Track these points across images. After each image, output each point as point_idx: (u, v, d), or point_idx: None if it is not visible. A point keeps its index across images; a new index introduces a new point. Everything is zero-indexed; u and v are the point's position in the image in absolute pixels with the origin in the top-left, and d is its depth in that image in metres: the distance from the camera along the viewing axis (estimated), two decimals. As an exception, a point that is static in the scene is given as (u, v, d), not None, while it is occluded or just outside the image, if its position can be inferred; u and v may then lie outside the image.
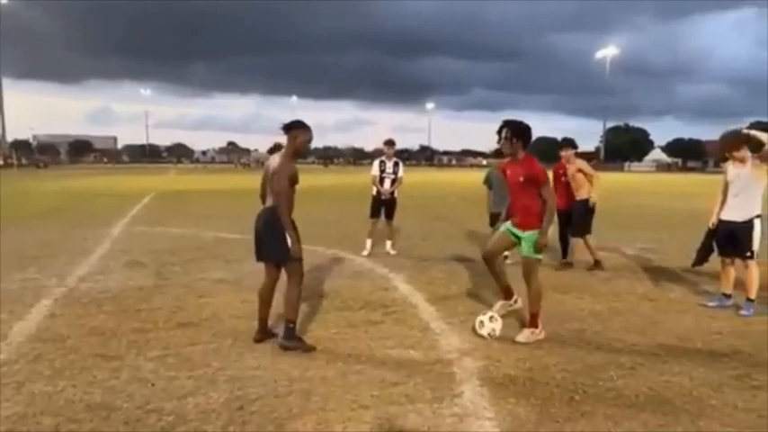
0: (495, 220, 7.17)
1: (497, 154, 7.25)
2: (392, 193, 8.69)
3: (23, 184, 32.26)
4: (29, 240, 9.72)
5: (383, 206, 8.71)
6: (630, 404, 3.41)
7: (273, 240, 4.41)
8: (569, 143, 7.81)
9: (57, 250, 8.66)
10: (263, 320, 4.54)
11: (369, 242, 8.67)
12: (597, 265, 7.58)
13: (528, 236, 4.67)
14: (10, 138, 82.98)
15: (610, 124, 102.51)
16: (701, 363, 4.09)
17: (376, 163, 8.82)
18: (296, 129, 4.49)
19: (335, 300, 5.77)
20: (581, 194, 7.64)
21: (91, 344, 4.34)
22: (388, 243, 8.81)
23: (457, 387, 3.61)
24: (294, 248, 4.37)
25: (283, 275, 4.50)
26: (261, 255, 4.57)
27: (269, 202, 4.53)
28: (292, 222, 4.44)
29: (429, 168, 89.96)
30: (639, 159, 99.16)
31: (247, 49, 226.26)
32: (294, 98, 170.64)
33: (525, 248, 4.71)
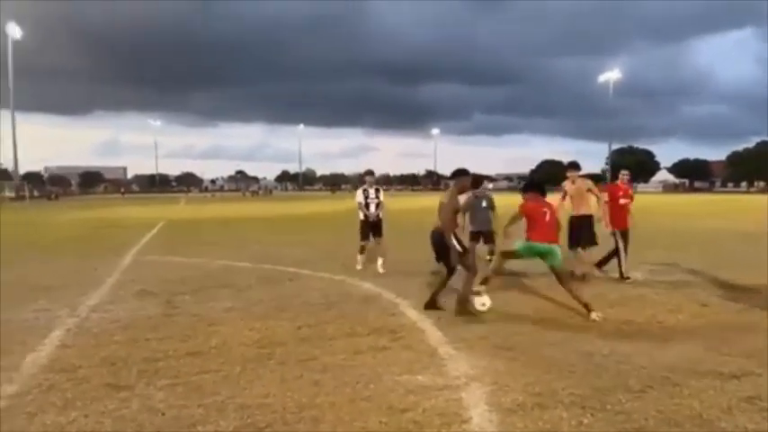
0: (475, 238, 9.59)
1: (478, 181, 9.33)
2: (378, 215, 9.75)
3: (35, 215, 32.62)
4: (41, 271, 9.82)
5: (371, 228, 9.70)
6: (639, 428, 3.39)
7: (445, 249, 6.39)
8: (574, 165, 8.84)
9: (68, 281, 8.74)
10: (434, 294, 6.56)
11: (360, 258, 9.74)
12: (582, 278, 8.29)
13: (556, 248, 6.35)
14: (22, 170, 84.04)
15: (614, 146, 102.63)
16: (711, 385, 4.06)
17: (360, 191, 9.88)
18: (460, 176, 6.66)
19: (343, 326, 5.78)
20: (586, 210, 8.58)
21: (102, 374, 4.37)
22: (380, 261, 9.47)
23: (465, 413, 3.60)
24: (454, 256, 6.36)
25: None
26: (439, 258, 6.60)
27: (438, 224, 6.48)
28: (455, 234, 6.42)
29: (435, 193, 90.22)
30: (646, 180, 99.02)
31: (250, 79, 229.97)
32: (301, 126, 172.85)
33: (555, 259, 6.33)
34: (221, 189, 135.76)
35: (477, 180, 9.37)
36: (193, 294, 7.58)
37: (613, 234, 8.60)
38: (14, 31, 67.12)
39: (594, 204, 8.66)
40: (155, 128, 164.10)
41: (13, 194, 66.63)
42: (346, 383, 4.12)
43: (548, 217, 6.43)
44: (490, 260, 9.15)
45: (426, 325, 5.80)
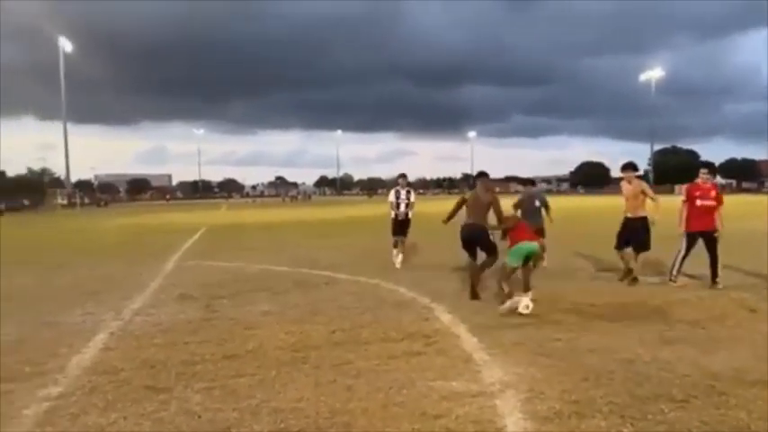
0: None
1: (526, 182, 10.91)
2: (406, 214, 10.76)
3: (85, 222, 33.79)
4: (89, 276, 10.14)
5: (400, 225, 10.69)
6: (682, 439, 3.25)
7: (479, 241, 7.42)
8: (630, 166, 8.66)
9: (114, 285, 9.00)
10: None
11: (395, 251, 10.63)
12: (628, 274, 8.35)
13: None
14: (74, 178, 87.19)
15: (657, 147, 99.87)
16: (759, 395, 3.86)
17: (392, 192, 11.02)
18: (483, 177, 7.93)
19: (377, 330, 5.76)
20: (641, 212, 8.38)
21: (142, 376, 4.46)
22: (399, 257, 10.58)
23: (500, 420, 3.52)
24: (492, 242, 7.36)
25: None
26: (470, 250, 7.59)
27: (472, 219, 7.52)
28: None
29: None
30: (690, 182, 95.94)
31: (287, 86, 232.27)
32: (339, 132, 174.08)
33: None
34: (261, 194, 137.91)
35: (528, 181, 11.06)
36: (232, 298, 7.69)
37: (685, 236, 8.09)
38: (66, 44, 69.92)
39: (650, 206, 8.43)
40: (198, 136, 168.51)
41: (65, 201, 69.19)
42: (379, 389, 4.09)
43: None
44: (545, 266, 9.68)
45: (461, 330, 5.72)
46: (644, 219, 8.33)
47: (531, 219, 9.88)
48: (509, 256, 6.62)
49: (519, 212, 9.83)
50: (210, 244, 16.36)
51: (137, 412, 3.72)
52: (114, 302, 7.51)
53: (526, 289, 6.46)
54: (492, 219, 7.50)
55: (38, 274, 10.60)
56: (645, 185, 8.51)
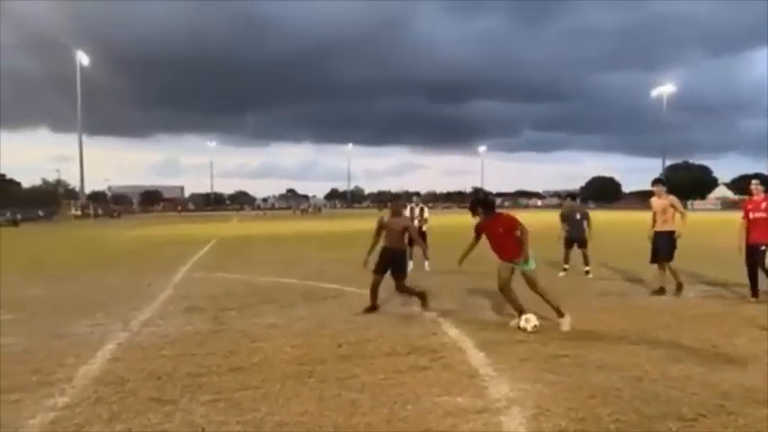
0: (569, 244, 11.04)
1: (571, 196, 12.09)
2: (421, 227, 11.60)
3: (97, 232, 34.07)
4: (98, 286, 10.20)
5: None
6: (690, 459, 3.19)
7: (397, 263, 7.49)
8: (659, 181, 9.01)
9: (123, 296, 9.04)
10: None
11: (410, 263, 10.73)
12: (680, 288, 8.44)
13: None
14: (88, 189, 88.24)
15: (668, 162, 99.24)
16: (770, 415, 3.79)
17: (408, 208, 11.88)
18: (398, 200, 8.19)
19: (383, 344, 5.73)
20: (669, 227, 8.55)
21: (148, 387, 4.47)
22: (426, 263, 11.39)
23: (504, 437, 3.48)
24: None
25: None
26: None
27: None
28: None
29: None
30: (702, 197, 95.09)
31: (298, 99, 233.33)
32: (350, 146, 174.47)
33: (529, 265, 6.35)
34: (273, 207, 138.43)
35: (570, 195, 12.53)
36: (239, 310, 7.70)
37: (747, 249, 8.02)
38: (83, 58, 71.07)
39: (679, 221, 8.56)
40: (210, 148, 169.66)
41: (79, 213, 69.91)
42: (384, 403, 4.06)
43: (502, 232, 6.44)
44: (587, 272, 10.60)
45: (468, 345, 5.67)
46: (671, 233, 8.51)
47: (574, 231, 11.03)
48: (532, 262, 6.44)
49: (565, 225, 11.09)
50: (220, 256, 16.41)
51: (141, 424, 3.72)
52: (123, 313, 7.54)
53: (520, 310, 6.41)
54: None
55: (48, 284, 10.68)
56: (675, 200, 8.67)
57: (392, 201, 8.13)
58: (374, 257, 7.54)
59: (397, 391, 4.31)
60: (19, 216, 55.53)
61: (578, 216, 11.15)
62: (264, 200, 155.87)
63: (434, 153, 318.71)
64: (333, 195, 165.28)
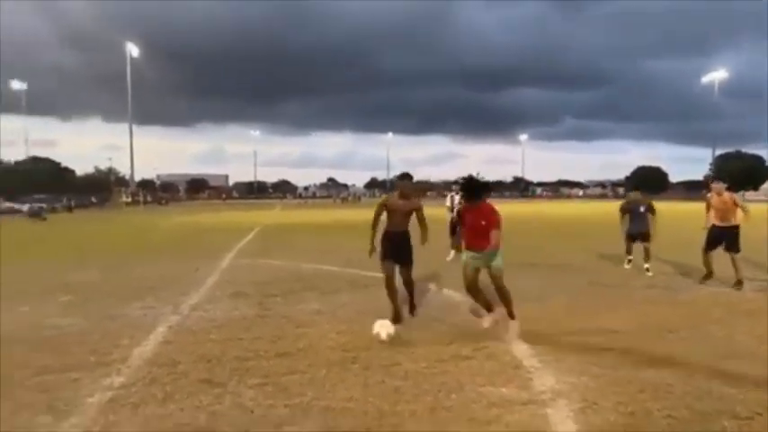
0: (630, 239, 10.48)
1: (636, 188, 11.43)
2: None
3: (146, 219, 35.14)
4: (149, 271, 10.53)
5: (455, 228, 10.76)
6: (747, 458, 3.07)
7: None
8: (719, 178, 9.15)
9: (172, 281, 9.30)
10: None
11: (452, 252, 11.24)
12: (740, 283, 8.26)
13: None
14: (137, 177, 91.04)
15: (719, 151, 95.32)
16: (833, 415, 3.61)
17: (449, 197, 12.57)
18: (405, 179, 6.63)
19: (426, 332, 5.72)
20: (732, 221, 8.61)
21: (198, 370, 4.59)
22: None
23: (551, 429, 3.43)
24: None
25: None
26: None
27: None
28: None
29: (523, 200, 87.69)
30: (756, 188, 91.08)
31: (340, 88, 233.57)
32: (390, 135, 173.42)
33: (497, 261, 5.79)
34: (314, 196, 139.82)
35: (634, 186, 12.03)
36: (284, 297, 7.81)
37: None
38: (132, 50, 73.06)
39: (741, 217, 8.66)
40: (254, 137, 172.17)
41: (129, 199, 72.37)
42: (427, 392, 4.06)
43: (484, 224, 5.84)
44: (647, 269, 9.82)
45: (512, 335, 5.60)
46: (736, 227, 8.62)
47: (637, 224, 10.48)
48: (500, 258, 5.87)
49: (626, 217, 10.54)
50: (264, 243, 16.69)
51: (193, 405, 3.82)
52: (173, 298, 7.76)
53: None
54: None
55: (102, 268, 11.08)
56: (736, 197, 8.80)
57: (400, 178, 6.70)
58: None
59: (440, 380, 4.30)
60: (73, 203, 57.77)
61: (642, 209, 10.48)
62: (306, 188, 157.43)
63: (474, 142, 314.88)
64: (372, 184, 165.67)
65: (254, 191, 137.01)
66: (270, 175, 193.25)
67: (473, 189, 6.03)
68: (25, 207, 46.89)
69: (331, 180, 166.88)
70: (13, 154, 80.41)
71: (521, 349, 5.13)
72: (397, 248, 6.38)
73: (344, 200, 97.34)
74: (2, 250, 15.22)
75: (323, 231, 22.26)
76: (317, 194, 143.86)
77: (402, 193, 6.50)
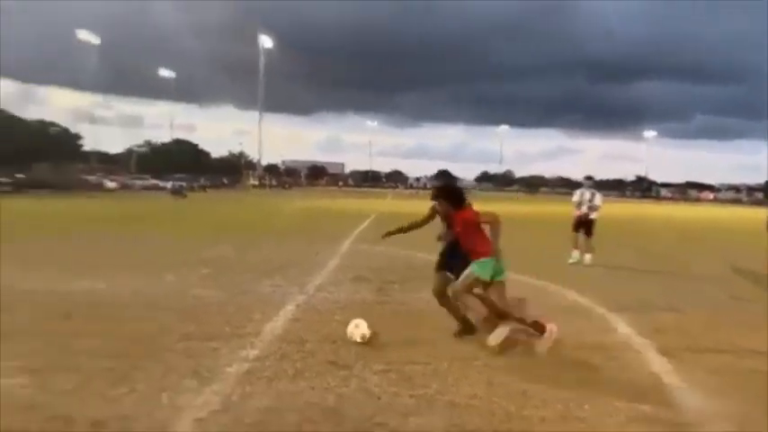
0: None
1: None
2: (587, 215, 10.89)
3: (272, 201, 37.14)
4: (276, 251, 11.03)
5: (583, 225, 10.86)
6: None
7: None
8: None
9: (297, 261, 9.64)
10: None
11: (575, 252, 10.78)
12: None
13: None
14: (264, 162, 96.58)
15: None
16: None
17: (578, 192, 11.35)
18: None
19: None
20: None
21: (325, 350, 4.65)
22: (587, 256, 10.62)
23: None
24: None
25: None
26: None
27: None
28: None
29: (646, 201, 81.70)
30: None
31: (454, 80, 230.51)
32: (504, 127, 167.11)
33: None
34: (424, 187, 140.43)
35: None
36: (401, 284, 7.81)
37: None
38: (266, 41, 77.29)
39: None
40: (370, 128, 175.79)
41: (256, 182, 77.12)
42: (557, 399, 3.79)
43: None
44: None
45: (645, 347, 5.13)
46: None
47: None
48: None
49: None
50: (380, 230, 16.89)
51: (321, 385, 3.86)
52: (298, 277, 8.03)
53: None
54: None
55: (235, 245, 11.77)
56: None
57: (435, 178, 6.15)
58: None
59: (569, 387, 4.01)
60: (207, 183, 62.56)
61: None
62: (417, 179, 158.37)
63: (591, 137, 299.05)
64: (483, 178, 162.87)
65: (369, 179, 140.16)
66: (383, 165, 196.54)
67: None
68: (168, 185, 51.50)
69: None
70: (160, 136, 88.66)
71: (658, 363, 4.67)
72: (449, 258, 5.64)
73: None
74: (153, 223, 16.75)
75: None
76: (428, 186, 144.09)
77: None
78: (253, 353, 4.49)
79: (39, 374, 3.86)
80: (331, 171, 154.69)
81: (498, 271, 5.09)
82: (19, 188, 39.99)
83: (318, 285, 7.49)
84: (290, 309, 6.08)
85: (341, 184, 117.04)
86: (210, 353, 4.47)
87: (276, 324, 5.41)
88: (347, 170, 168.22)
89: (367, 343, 4.80)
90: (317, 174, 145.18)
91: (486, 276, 5.00)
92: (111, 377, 3.84)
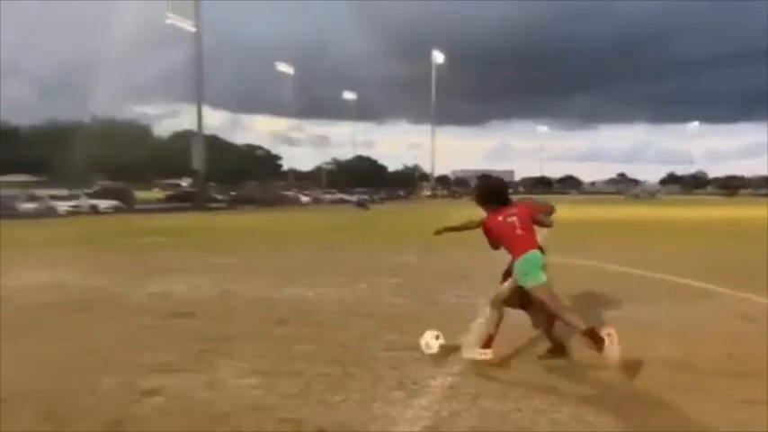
0: None
1: None
2: None
3: (444, 210, 37.43)
4: (456, 260, 10.93)
5: None
6: None
7: None
8: None
9: (478, 271, 9.41)
10: None
11: None
12: None
13: None
14: (435, 173, 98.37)
15: None
16: None
17: None
18: None
19: (732, 362, 4.46)
20: None
21: (526, 369, 4.37)
22: None
23: None
24: None
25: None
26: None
27: None
28: None
29: None
30: None
31: (632, 78, 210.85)
32: (695, 124, 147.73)
33: None
34: (600, 192, 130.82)
35: None
36: (594, 300, 7.16)
37: None
38: (438, 57, 78.92)
39: None
40: (540, 133, 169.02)
41: (429, 193, 78.80)
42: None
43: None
44: None
45: None
46: None
47: None
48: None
49: None
50: (555, 240, 15.95)
51: (529, 406, 3.60)
52: (483, 288, 7.78)
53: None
54: None
55: (417, 254, 11.96)
56: None
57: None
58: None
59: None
60: (384, 195, 65.60)
61: None
62: (592, 184, 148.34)
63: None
64: (669, 180, 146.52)
65: (540, 186, 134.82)
66: (555, 171, 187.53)
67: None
68: (353, 198, 55.04)
69: (621, 175, 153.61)
70: (344, 153, 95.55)
71: None
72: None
73: (636, 197, 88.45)
74: (345, 235, 17.87)
75: (617, 229, 20.34)
76: (604, 190, 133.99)
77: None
78: (455, 367, 4.39)
79: (266, 376, 4.18)
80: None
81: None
82: (232, 204, 45.78)
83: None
84: (480, 322, 5.89)
85: (510, 191, 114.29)
86: (413, 364, 4.47)
87: (469, 338, 5.24)
88: (517, 177, 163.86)
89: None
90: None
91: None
92: (328, 383, 4.01)
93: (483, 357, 4.38)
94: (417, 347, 4.84)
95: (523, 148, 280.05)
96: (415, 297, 7.23)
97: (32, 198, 33.09)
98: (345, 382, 4.02)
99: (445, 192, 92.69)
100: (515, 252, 4.45)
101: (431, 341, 4.60)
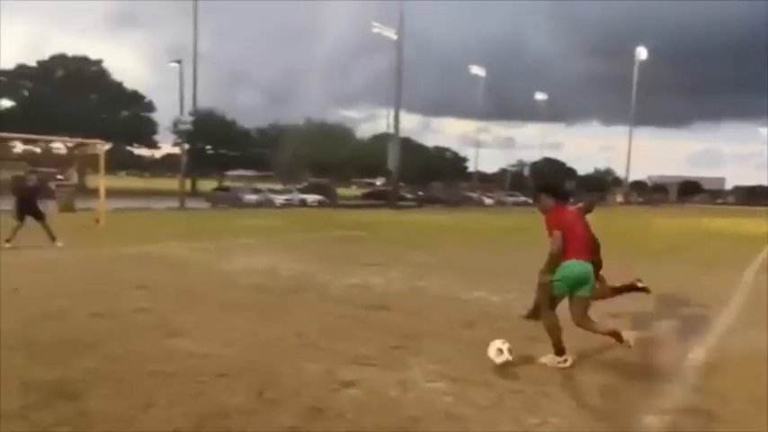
0: None
1: None
2: None
3: (642, 219, 33.63)
4: (660, 275, 9.54)
5: None
6: None
7: None
8: None
9: (687, 292, 8.08)
10: None
11: None
12: None
13: None
14: (630, 178, 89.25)
15: None
16: None
17: None
18: None
19: None
20: None
21: (750, 413, 3.50)
22: None
23: None
24: None
25: None
26: None
27: None
28: None
29: None
30: None
31: None
32: None
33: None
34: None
35: None
36: None
37: None
38: (641, 53, 71.53)
39: None
40: (761, 136, 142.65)
41: (621, 199, 71.82)
42: None
43: None
44: None
45: None
46: None
47: None
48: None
49: None
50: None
51: None
52: (696, 311, 6.65)
53: None
54: None
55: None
56: None
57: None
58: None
59: None
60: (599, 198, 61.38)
61: None
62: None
63: None
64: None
65: (756, 196, 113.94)
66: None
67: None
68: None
69: None
70: (531, 156, 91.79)
71: None
72: None
73: None
74: (523, 235, 17.00)
75: None
76: None
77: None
78: (669, 401, 3.71)
79: (456, 383, 3.95)
80: (707, 187, 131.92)
81: None
82: (420, 203, 47.03)
83: (728, 326, 6.01)
84: (699, 353, 4.96)
85: (719, 201, 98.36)
86: (627, 389, 3.88)
87: (687, 377, 4.39)
88: (728, 185, 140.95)
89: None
90: (689, 190, 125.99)
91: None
92: (522, 401, 3.67)
93: (562, 365, 4.32)
94: (637, 375, 4.22)
95: (737, 152, 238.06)
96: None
97: (255, 191, 38.05)
98: (540, 403, 3.63)
99: (640, 198, 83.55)
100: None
101: (502, 347, 4.21)
